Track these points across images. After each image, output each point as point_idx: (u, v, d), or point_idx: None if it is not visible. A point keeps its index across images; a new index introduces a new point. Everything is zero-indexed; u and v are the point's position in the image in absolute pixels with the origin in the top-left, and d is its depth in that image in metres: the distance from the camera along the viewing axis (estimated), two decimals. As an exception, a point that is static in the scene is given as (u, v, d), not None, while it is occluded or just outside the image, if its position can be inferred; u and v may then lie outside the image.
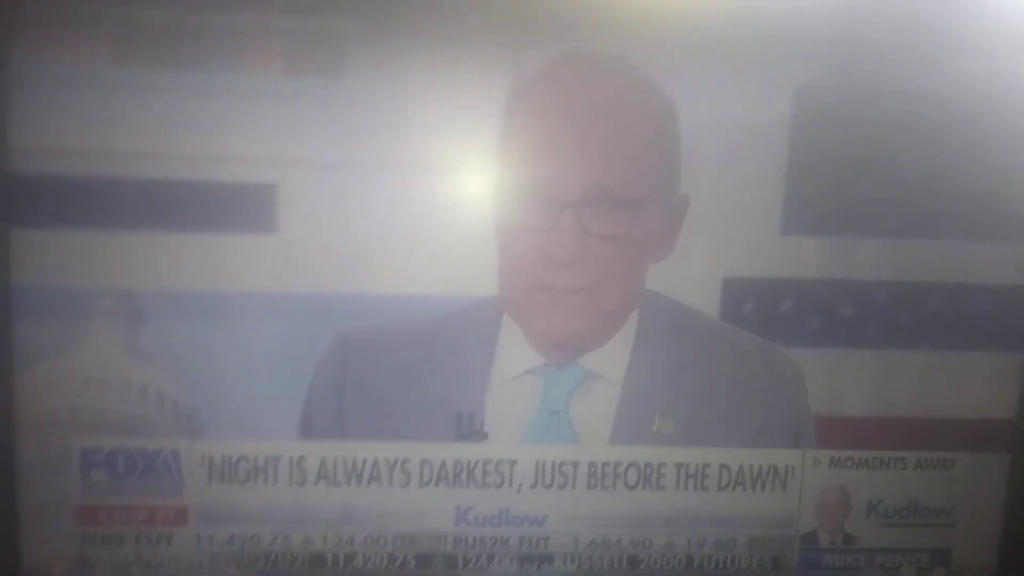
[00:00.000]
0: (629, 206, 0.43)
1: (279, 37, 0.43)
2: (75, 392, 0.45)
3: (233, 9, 0.42)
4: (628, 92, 0.43)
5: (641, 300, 0.45)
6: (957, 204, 0.46)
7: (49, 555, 0.46)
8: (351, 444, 0.46)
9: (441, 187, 0.44)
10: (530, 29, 0.43)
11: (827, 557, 0.49)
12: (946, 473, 0.48)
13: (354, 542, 0.47)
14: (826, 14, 0.43)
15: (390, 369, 0.46)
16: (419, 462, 0.46)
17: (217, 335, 0.44)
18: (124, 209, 0.43)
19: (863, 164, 0.45)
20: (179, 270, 0.44)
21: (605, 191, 0.43)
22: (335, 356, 0.45)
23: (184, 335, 0.44)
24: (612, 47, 0.43)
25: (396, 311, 0.45)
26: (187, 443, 0.46)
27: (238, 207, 0.43)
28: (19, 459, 0.45)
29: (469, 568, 0.48)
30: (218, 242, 0.44)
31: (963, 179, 0.45)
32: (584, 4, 0.42)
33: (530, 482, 0.47)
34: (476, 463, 0.47)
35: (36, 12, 0.41)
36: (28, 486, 0.45)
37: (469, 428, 0.46)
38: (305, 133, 0.43)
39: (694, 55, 0.43)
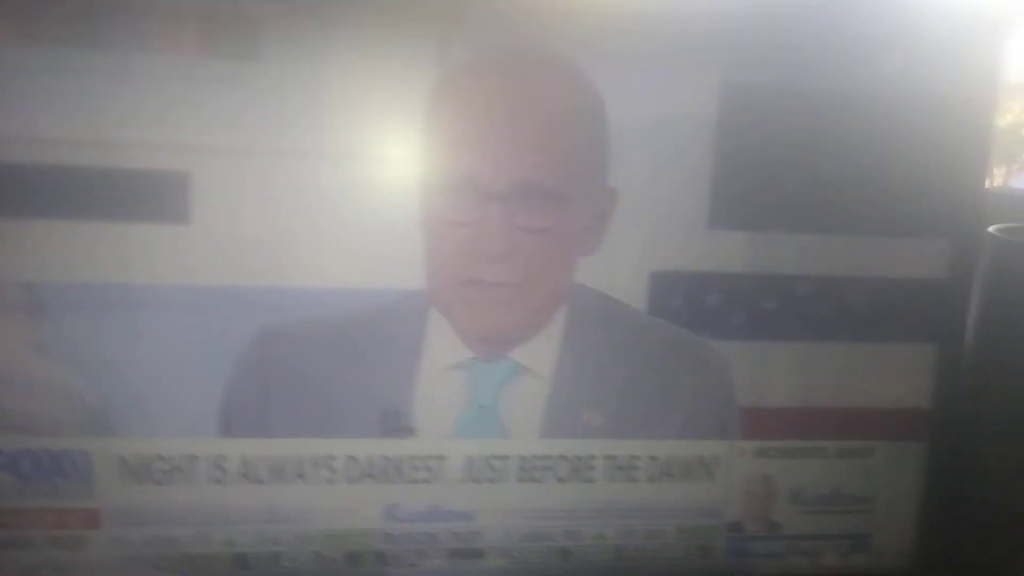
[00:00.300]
0: (557, 199, 0.43)
1: (192, 17, 0.40)
2: (-26, 391, 0.43)
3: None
4: (556, 85, 0.43)
5: (570, 294, 0.45)
6: (877, 201, 0.47)
7: (-50, 562, 0.44)
8: (274, 441, 0.45)
9: (365, 177, 0.43)
10: (456, 17, 0.42)
11: (753, 545, 0.50)
12: (866, 461, 0.49)
13: (280, 542, 0.46)
14: (753, 12, 0.44)
15: (313, 364, 0.44)
16: (345, 459, 0.45)
17: (128, 330, 0.42)
18: (26, 197, 0.41)
19: (788, 161, 0.45)
20: (86, 261, 0.42)
21: (533, 184, 0.42)
22: (256, 351, 0.43)
23: (92, 330, 0.42)
24: (540, 40, 0.43)
25: (318, 305, 0.43)
26: (97, 443, 0.44)
27: (148, 196, 0.41)
28: (-88, 462, 0.42)
29: (399, 565, 0.47)
30: (127, 232, 0.42)
31: (883, 177, 0.46)
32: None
33: (460, 477, 0.46)
34: (404, 459, 0.46)
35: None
36: (-75, 490, 0.42)
37: (396, 423, 0.45)
38: (220, 119, 0.41)
39: (622, 50, 0.43)
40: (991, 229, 0.51)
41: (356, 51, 0.41)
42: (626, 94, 0.43)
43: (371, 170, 0.43)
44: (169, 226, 0.42)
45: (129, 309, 0.42)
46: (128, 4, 0.40)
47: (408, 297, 0.44)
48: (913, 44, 0.45)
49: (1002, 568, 0.50)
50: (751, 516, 0.49)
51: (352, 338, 0.44)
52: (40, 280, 0.42)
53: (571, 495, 0.47)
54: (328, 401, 0.45)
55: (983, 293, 0.50)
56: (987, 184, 0.50)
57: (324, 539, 0.46)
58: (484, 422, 0.46)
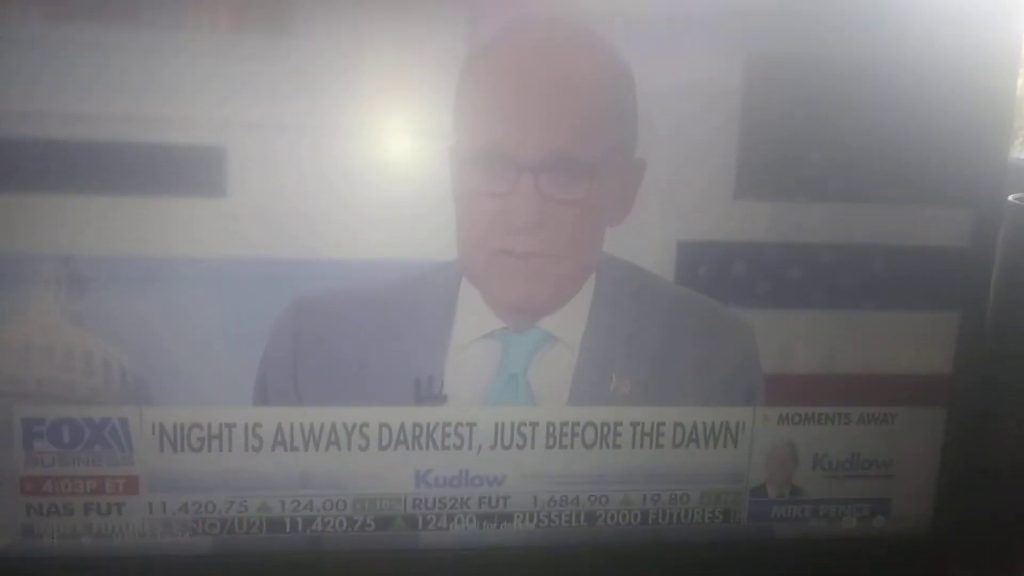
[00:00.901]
0: (586, 170, 0.43)
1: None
2: (15, 361, 0.43)
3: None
4: (585, 57, 0.43)
5: (599, 264, 0.46)
6: (900, 171, 0.47)
7: (-7, 528, 0.45)
8: (308, 409, 0.46)
9: (397, 150, 0.43)
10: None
11: (775, 509, 0.51)
12: (887, 427, 0.50)
13: (313, 506, 0.47)
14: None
15: (347, 334, 0.45)
16: (378, 426, 0.46)
17: (165, 302, 0.43)
18: (65, 172, 0.41)
19: (812, 131, 0.46)
20: (124, 235, 0.42)
21: (562, 155, 0.42)
22: (290, 322, 0.44)
23: (130, 302, 0.43)
24: (569, 13, 0.43)
25: (352, 276, 0.44)
26: (136, 411, 0.45)
27: (185, 170, 0.42)
28: (-43, 431, 0.43)
29: (429, 529, 0.48)
30: (165, 206, 0.42)
31: (906, 147, 0.47)
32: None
33: (489, 443, 0.47)
34: (435, 426, 0.47)
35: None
36: (-33, 458, 0.43)
37: (428, 392, 0.46)
38: (253, 94, 0.41)
39: (650, 23, 0.43)
40: (1011, 198, 0.51)
41: (387, 25, 0.42)
42: (654, 66, 0.44)
43: (403, 143, 0.43)
44: (205, 200, 0.42)
45: (167, 281, 0.43)
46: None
47: (440, 268, 0.45)
48: (935, 14, 0.46)
49: (1019, 530, 0.51)
50: (774, 481, 0.50)
51: (385, 309, 0.45)
52: (79, 253, 0.42)
53: (598, 461, 0.48)
54: (361, 370, 0.45)
55: (1004, 261, 0.51)
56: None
57: (356, 503, 0.47)
58: (514, 390, 0.47)
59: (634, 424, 0.48)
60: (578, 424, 0.48)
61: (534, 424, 0.47)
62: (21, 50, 0.40)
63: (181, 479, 0.46)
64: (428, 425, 0.47)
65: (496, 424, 0.47)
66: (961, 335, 0.50)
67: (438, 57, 0.42)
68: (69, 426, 0.44)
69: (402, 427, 0.46)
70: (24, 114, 0.41)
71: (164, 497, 0.46)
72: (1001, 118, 0.48)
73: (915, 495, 0.51)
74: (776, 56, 0.45)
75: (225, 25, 0.41)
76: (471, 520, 0.49)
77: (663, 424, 0.48)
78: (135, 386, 0.44)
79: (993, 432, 0.52)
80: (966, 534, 0.52)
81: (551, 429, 0.48)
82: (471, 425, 0.47)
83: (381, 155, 0.43)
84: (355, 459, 0.47)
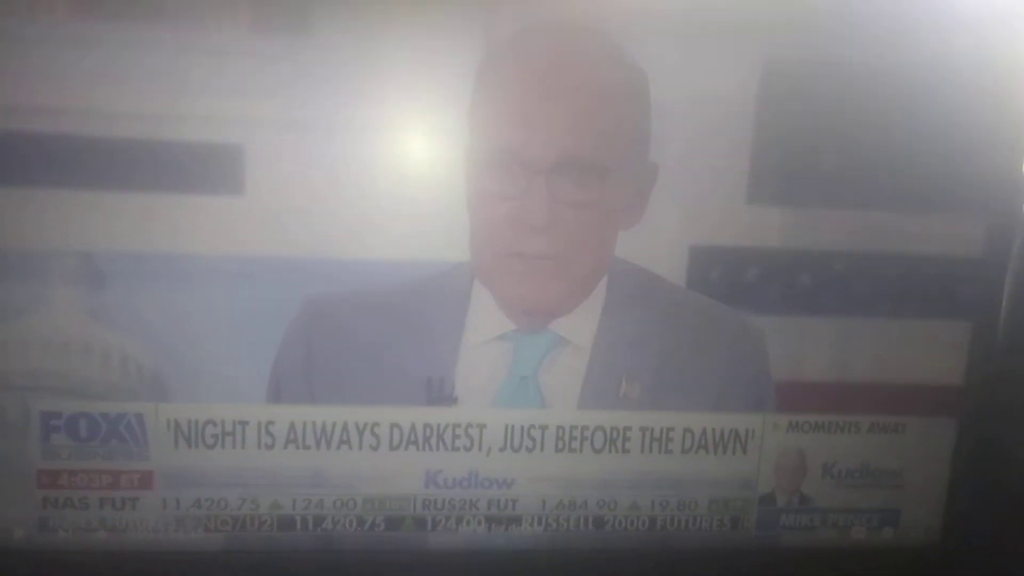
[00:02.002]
0: (599, 173, 0.43)
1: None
2: (35, 355, 0.44)
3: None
4: (599, 60, 0.43)
5: (610, 267, 0.46)
6: (914, 178, 0.47)
7: (9, 520, 0.46)
8: (320, 408, 0.46)
9: (411, 150, 0.44)
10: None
11: (783, 517, 0.51)
12: (897, 437, 0.50)
13: (323, 505, 0.47)
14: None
15: (360, 334, 0.46)
16: (389, 426, 0.47)
17: (182, 298, 0.44)
18: (86, 168, 0.42)
19: (826, 137, 0.46)
20: (143, 232, 0.43)
21: (576, 158, 0.43)
22: (304, 321, 0.45)
23: (148, 298, 0.44)
24: (584, 16, 0.43)
25: (366, 275, 0.44)
26: (152, 407, 0.45)
27: (203, 168, 0.42)
28: (-23, 423, 0.44)
29: (438, 530, 0.49)
30: (183, 203, 0.43)
31: (921, 155, 0.47)
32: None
33: (499, 445, 0.48)
34: (446, 427, 0.47)
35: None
36: (-14, 450, 0.44)
37: (439, 393, 0.46)
38: (272, 93, 0.42)
39: (666, 26, 0.44)
40: (1027, 208, 0.51)
41: (405, 26, 0.42)
42: (668, 70, 0.44)
43: (418, 143, 0.44)
44: (223, 197, 0.43)
45: (183, 278, 0.44)
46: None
47: (452, 269, 0.45)
48: (952, 24, 0.46)
49: (1030, 543, 0.51)
50: (783, 489, 0.50)
51: (397, 309, 0.45)
52: (98, 249, 0.43)
53: (607, 465, 0.49)
54: (373, 370, 0.46)
55: (1017, 271, 0.50)
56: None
57: (366, 503, 0.48)
58: (524, 392, 0.47)
59: (643, 429, 0.48)
60: (587, 428, 0.48)
61: (544, 427, 0.48)
62: (43, 46, 0.41)
63: (195, 475, 0.46)
64: (439, 426, 0.47)
65: (506, 426, 0.47)
66: (973, 345, 0.49)
67: (454, 59, 0.42)
68: (86, 420, 0.45)
69: (413, 427, 0.47)
70: (44, 110, 0.41)
71: (178, 493, 0.46)
72: (1016, 129, 0.47)
73: (924, 506, 0.51)
74: (791, 62, 0.45)
75: (245, 24, 0.42)
76: (480, 522, 0.49)
77: (672, 430, 0.48)
78: (151, 382, 0.45)
79: (1004, 444, 0.52)
80: (975, 546, 0.52)
81: (560, 432, 0.48)
82: (481, 427, 0.47)
83: (396, 156, 0.44)
84: (366, 458, 0.47)
